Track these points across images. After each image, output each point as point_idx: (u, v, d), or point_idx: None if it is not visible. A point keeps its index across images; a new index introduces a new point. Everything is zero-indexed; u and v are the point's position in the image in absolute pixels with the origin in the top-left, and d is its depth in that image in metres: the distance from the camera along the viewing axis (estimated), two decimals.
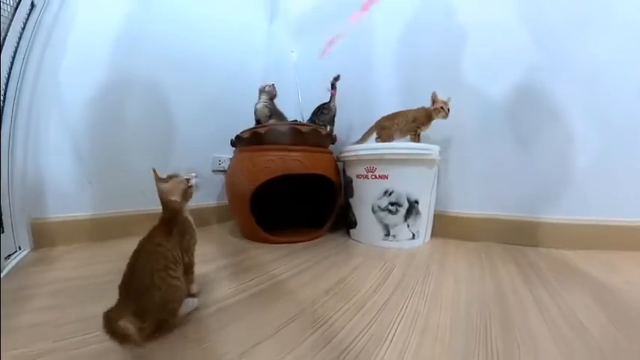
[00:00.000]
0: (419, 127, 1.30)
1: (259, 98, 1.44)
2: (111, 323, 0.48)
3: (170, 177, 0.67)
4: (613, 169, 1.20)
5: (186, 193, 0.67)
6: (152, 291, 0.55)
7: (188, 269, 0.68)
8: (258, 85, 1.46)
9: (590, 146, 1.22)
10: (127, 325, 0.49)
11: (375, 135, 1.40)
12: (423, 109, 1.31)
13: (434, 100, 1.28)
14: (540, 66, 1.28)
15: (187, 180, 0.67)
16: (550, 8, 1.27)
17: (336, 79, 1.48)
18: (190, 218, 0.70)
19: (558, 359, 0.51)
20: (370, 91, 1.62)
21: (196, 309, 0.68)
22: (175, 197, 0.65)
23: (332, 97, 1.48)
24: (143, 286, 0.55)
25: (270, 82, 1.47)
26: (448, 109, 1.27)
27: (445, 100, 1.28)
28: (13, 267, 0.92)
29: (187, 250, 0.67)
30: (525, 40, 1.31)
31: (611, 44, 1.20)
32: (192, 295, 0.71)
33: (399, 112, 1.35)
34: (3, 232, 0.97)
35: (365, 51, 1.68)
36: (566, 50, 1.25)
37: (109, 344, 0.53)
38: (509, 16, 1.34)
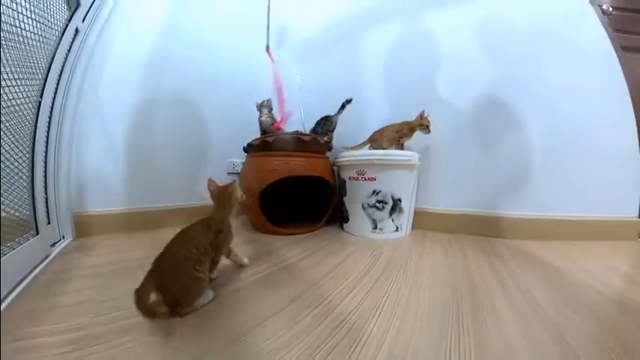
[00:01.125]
0: (402, 138, 1.30)
1: (261, 113, 1.44)
2: (139, 299, 0.50)
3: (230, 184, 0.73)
4: (563, 172, 1.21)
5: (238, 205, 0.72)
6: (178, 274, 0.55)
7: (214, 263, 0.67)
8: (258, 102, 1.47)
9: (543, 153, 1.23)
10: (155, 307, 0.51)
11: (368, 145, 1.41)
12: (406, 123, 1.32)
13: (421, 116, 1.29)
14: (502, 86, 1.29)
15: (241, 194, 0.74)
16: (510, 39, 1.29)
17: (349, 101, 1.46)
18: (230, 222, 0.72)
19: (519, 332, 0.52)
20: (361, 106, 1.62)
21: (213, 298, 0.63)
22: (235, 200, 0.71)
23: (338, 113, 1.48)
24: (172, 267, 0.55)
25: (267, 98, 1.48)
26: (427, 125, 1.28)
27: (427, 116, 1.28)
28: (58, 253, 0.92)
29: (218, 248, 0.67)
30: (489, 65, 1.32)
31: (561, 69, 1.22)
32: (211, 279, 0.71)
33: (386, 126, 1.36)
34: (49, 223, 0.96)
35: (356, 72, 1.69)
36: (523, 73, 1.26)
37: (142, 318, 0.54)
38: (477, 45, 1.35)
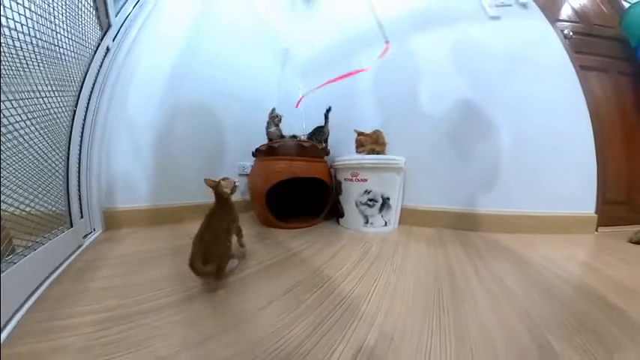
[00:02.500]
0: (373, 149, 1.30)
1: (269, 125, 1.40)
2: (193, 265, 0.58)
3: (224, 179, 0.75)
4: (530, 174, 1.22)
5: (234, 189, 0.75)
6: (219, 244, 0.63)
7: (238, 232, 0.81)
8: (269, 112, 1.43)
9: (513, 156, 1.24)
10: (205, 268, 0.58)
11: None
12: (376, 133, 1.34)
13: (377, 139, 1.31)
14: (477, 98, 1.30)
15: (234, 182, 0.76)
16: (484, 58, 1.30)
17: (328, 110, 1.47)
18: (232, 203, 0.77)
19: (492, 312, 0.52)
20: (355, 117, 1.62)
21: (233, 268, 0.72)
22: (227, 190, 0.73)
23: (326, 122, 1.48)
24: (214, 238, 0.63)
25: (278, 112, 1.43)
26: (368, 148, 1.29)
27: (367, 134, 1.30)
28: (89, 244, 0.91)
29: (234, 221, 0.76)
30: (465, 81, 1.32)
31: (529, 84, 1.23)
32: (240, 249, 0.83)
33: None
34: (82, 217, 0.95)
35: (349, 87, 1.69)
36: (496, 87, 1.27)
37: (165, 301, 0.54)
38: (455, 63, 1.35)
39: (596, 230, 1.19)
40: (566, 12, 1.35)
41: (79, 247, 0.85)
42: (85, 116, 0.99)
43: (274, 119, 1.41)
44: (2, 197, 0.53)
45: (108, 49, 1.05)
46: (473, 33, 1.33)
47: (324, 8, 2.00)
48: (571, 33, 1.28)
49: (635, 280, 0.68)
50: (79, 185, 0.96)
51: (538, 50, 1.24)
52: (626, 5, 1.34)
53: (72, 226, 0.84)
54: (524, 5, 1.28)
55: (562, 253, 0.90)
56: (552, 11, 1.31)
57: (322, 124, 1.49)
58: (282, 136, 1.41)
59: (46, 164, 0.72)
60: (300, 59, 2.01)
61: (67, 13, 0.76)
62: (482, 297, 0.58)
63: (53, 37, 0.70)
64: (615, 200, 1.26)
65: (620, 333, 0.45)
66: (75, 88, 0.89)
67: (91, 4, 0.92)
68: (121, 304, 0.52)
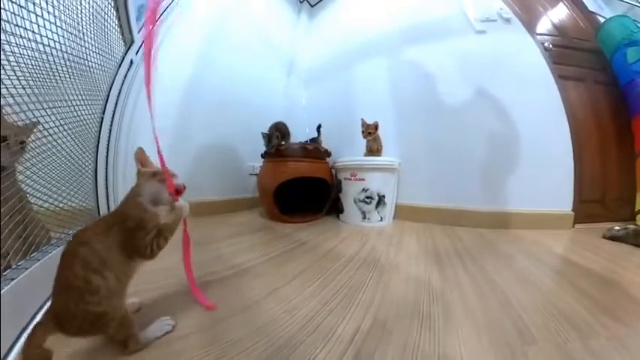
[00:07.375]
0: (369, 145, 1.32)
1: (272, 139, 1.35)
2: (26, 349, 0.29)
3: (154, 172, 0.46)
4: (514, 174, 1.21)
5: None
6: (69, 315, 0.31)
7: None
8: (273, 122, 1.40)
9: (497, 158, 1.23)
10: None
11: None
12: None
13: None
14: (464, 106, 1.29)
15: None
16: (473, 68, 1.30)
17: (319, 126, 1.47)
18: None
19: (475, 298, 0.52)
20: (353, 121, 1.62)
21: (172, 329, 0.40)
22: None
23: (319, 135, 1.48)
24: (63, 305, 0.31)
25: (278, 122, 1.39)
26: (370, 132, 1.29)
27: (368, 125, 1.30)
28: None
29: (138, 249, 0.39)
30: (456, 88, 1.32)
31: (514, 92, 1.23)
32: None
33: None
34: (109, 211, 0.96)
35: (347, 96, 1.69)
36: (481, 95, 1.26)
37: (180, 287, 0.53)
38: (447, 71, 1.35)
39: (573, 227, 1.18)
40: (546, 26, 1.34)
41: None
42: (112, 122, 1.00)
43: (272, 137, 1.32)
44: (38, 194, 0.54)
45: (131, 62, 1.06)
46: (461, 45, 1.33)
47: (325, 22, 2.00)
48: (551, 45, 1.27)
49: (608, 271, 0.68)
50: (106, 183, 0.97)
51: (520, 61, 1.24)
52: (602, 20, 1.33)
53: None
54: (507, 20, 1.28)
55: (542, 247, 0.90)
56: (533, 25, 1.30)
57: (324, 126, 1.49)
58: (284, 137, 1.39)
59: (77, 164, 0.73)
60: (304, 69, 2.01)
61: (95, 31, 0.77)
62: (468, 285, 0.58)
63: (82, 52, 0.70)
64: (590, 199, 1.25)
65: (593, 319, 0.45)
66: (102, 97, 0.90)
67: (116, 22, 0.93)
68: (142, 290, 0.52)
